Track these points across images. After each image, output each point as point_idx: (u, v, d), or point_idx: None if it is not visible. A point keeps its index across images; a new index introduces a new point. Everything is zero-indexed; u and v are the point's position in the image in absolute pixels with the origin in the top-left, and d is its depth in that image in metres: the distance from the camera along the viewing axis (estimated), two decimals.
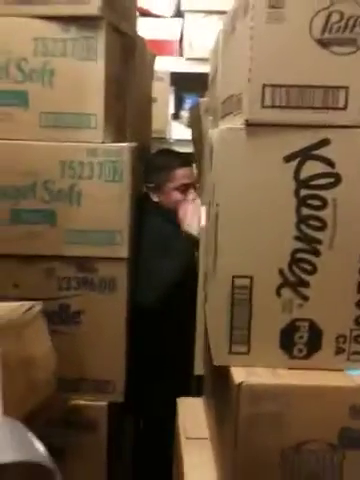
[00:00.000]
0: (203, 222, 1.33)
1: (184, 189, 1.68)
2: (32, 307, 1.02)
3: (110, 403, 1.45)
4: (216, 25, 2.27)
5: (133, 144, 1.44)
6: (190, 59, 2.51)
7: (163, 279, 1.56)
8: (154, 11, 2.55)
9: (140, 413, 1.76)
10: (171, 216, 1.66)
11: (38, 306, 1.04)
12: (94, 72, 1.28)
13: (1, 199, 1.39)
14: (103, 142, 1.36)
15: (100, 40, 1.26)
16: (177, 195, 1.68)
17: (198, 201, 1.58)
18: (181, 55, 2.57)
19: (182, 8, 2.52)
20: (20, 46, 1.29)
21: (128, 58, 1.50)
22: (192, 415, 1.28)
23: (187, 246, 1.57)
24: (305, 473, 0.87)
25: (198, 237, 1.45)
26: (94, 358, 1.44)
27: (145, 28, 1.92)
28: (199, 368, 1.39)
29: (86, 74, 1.28)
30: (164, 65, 2.33)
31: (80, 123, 1.32)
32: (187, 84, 2.63)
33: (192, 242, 1.54)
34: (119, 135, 1.44)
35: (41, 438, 0.79)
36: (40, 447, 0.90)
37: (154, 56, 1.91)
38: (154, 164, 1.74)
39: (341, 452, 0.86)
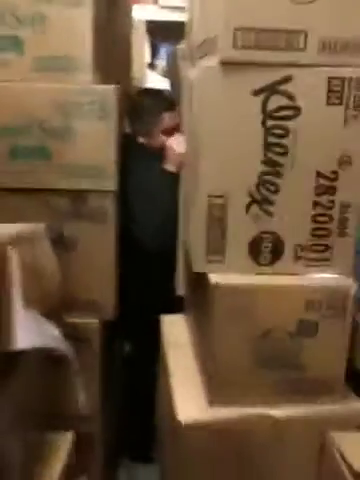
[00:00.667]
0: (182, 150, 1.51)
1: (170, 132, 1.73)
2: (38, 228, 1.17)
3: (102, 321, 1.63)
4: None
5: (118, 86, 1.57)
6: (165, 7, 2.59)
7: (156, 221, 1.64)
8: None
9: (127, 336, 1.94)
10: (156, 157, 1.71)
11: (43, 227, 1.19)
12: (83, 18, 1.39)
13: (0, 139, 1.51)
14: (92, 83, 1.48)
15: None
16: (163, 138, 1.72)
17: (180, 138, 1.68)
18: (156, 3, 2.65)
19: None
20: None
21: (111, 6, 1.61)
22: (174, 327, 1.46)
23: (169, 190, 1.65)
24: (270, 356, 1.06)
25: (177, 172, 1.59)
26: (87, 280, 1.59)
27: None
28: (180, 289, 1.57)
29: (75, 20, 1.39)
30: (139, 14, 2.35)
31: (71, 66, 1.44)
32: (162, 33, 2.70)
33: (172, 178, 1.63)
34: (105, 78, 1.56)
35: None
36: (57, 335, 1.07)
37: (131, 5, 2.00)
38: (141, 107, 1.78)
39: (298, 338, 1.05)
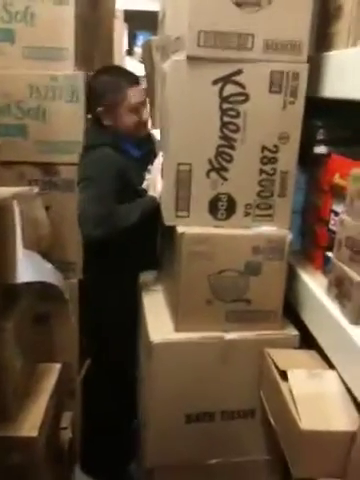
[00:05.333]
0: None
1: (137, 109, 1.70)
2: (32, 190, 1.40)
3: (79, 280, 1.86)
4: None
5: (86, 72, 1.79)
6: None
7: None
8: None
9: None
10: (124, 142, 1.70)
11: (36, 189, 1.42)
12: (66, 14, 1.63)
13: None
14: (74, 71, 1.70)
15: None
16: (132, 117, 1.70)
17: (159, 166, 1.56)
18: None
19: None
20: None
21: (95, 3, 1.84)
22: (149, 279, 1.72)
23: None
24: (224, 291, 1.34)
25: (158, 200, 1.53)
26: (59, 243, 1.83)
27: None
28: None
29: (60, 16, 1.62)
30: (118, 3, 2.43)
31: (55, 55, 1.67)
32: (139, 21, 2.92)
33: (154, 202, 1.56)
34: (87, 66, 1.79)
35: None
36: (54, 271, 1.31)
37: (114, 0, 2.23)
38: (102, 86, 1.69)
39: (246, 276, 1.34)
